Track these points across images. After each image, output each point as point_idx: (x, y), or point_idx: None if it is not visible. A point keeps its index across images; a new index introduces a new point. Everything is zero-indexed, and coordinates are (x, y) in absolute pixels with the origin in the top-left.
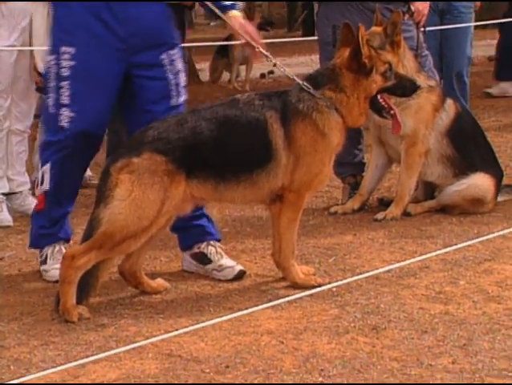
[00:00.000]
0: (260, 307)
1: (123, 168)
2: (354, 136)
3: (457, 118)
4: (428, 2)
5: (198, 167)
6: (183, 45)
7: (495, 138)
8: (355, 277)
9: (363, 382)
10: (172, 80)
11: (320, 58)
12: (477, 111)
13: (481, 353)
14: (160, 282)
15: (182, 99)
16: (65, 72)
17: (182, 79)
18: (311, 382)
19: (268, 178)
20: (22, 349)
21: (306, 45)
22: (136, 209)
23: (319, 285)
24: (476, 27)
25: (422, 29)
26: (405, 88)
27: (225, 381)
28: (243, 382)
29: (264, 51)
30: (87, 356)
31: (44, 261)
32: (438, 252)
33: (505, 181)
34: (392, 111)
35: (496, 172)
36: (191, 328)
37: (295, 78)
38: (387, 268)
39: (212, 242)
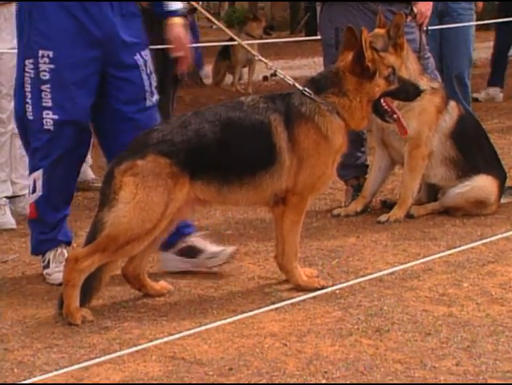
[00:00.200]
0: (263, 310)
1: (128, 170)
2: (357, 138)
3: (460, 120)
4: (430, 4)
5: (202, 169)
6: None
7: (498, 140)
8: (359, 280)
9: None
10: (147, 81)
11: (324, 61)
12: (480, 113)
13: (484, 355)
14: (163, 285)
15: (155, 98)
16: (45, 76)
17: (154, 79)
18: (315, 384)
19: (271, 180)
20: (26, 352)
21: (308, 47)
22: (141, 212)
23: (323, 288)
24: (478, 29)
25: (424, 30)
26: (408, 92)
27: (229, 383)
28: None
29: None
30: (91, 359)
31: (47, 266)
32: (441, 254)
33: (508, 183)
34: (395, 115)
35: (499, 173)
36: (194, 330)
37: (296, 84)
38: (390, 270)
39: (194, 233)
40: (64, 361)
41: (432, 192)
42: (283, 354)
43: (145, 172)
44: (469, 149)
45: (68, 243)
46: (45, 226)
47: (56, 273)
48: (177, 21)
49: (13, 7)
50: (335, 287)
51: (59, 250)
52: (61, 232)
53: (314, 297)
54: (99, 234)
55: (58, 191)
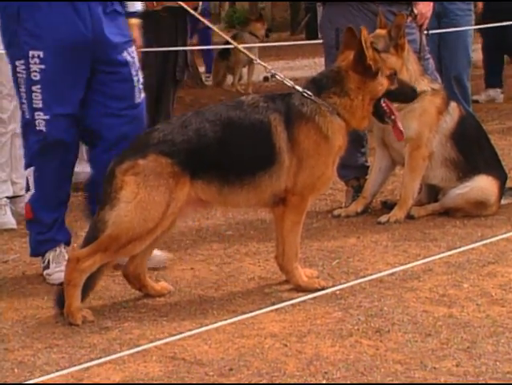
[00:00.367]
0: (263, 310)
1: (129, 169)
2: (357, 139)
3: (460, 121)
4: (430, 5)
5: (203, 169)
6: (185, 48)
7: (499, 141)
8: (359, 280)
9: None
10: (135, 77)
11: (325, 62)
12: (480, 114)
13: (484, 356)
14: (163, 285)
15: (142, 95)
16: (35, 76)
17: (141, 76)
18: (315, 384)
19: (271, 181)
20: (26, 352)
21: (309, 48)
22: (142, 211)
23: (323, 288)
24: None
25: (425, 32)
26: (406, 94)
27: (229, 383)
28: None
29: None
30: (91, 359)
31: (47, 266)
32: (442, 255)
33: (508, 184)
34: (392, 117)
35: (500, 174)
36: (195, 331)
37: (295, 86)
38: (390, 271)
39: None
40: (64, 361)
41: (432, 192)
42: (283, 354)
43: (146, 172)
44: (470, 150)
45: (67, 242)
46: (42, 226)
47: (56, 273)
48: (134, 22)
49: None
50: (335, 288)
51: (58, 250)
52: (60, 231)
53: (315, 298)
54: (100, 234)
55: (52, 189)
